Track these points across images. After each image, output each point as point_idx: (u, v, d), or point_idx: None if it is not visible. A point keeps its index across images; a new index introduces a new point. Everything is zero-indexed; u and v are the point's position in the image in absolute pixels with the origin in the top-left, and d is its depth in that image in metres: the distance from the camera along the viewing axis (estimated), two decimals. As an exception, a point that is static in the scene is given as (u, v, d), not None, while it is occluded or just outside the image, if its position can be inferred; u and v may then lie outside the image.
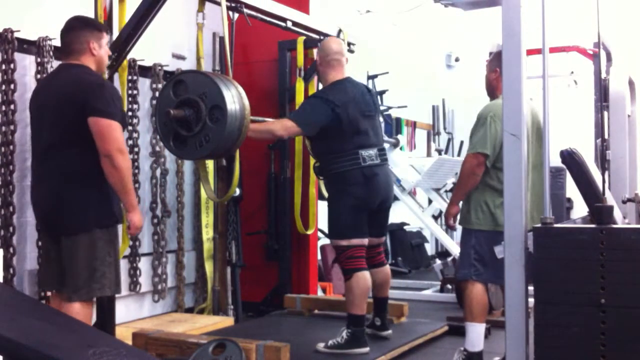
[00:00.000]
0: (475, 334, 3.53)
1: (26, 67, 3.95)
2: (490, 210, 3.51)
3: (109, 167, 2.99)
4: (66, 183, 3.05)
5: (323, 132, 3.91)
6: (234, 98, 3.30)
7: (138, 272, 4.65)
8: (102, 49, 3.21)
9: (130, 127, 4.57)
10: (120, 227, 3.72)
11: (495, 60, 3.65)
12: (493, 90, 3.69)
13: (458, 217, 3.73)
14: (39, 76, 3.89)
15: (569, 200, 7.69)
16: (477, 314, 3.52)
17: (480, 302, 3.53)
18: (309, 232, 5.20)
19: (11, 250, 3.73)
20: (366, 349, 3.86)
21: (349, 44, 4.83)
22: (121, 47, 3.54)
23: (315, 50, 5.13)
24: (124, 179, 3.02)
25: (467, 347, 3.53)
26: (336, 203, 3.96)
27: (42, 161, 3.13)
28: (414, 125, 8.54)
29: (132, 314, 4.71)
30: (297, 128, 3.85)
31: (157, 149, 4.79)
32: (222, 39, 4.84)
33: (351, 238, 3.89)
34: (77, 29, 3.17)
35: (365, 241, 3.95)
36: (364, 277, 3.86)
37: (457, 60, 9.54)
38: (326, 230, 4.38)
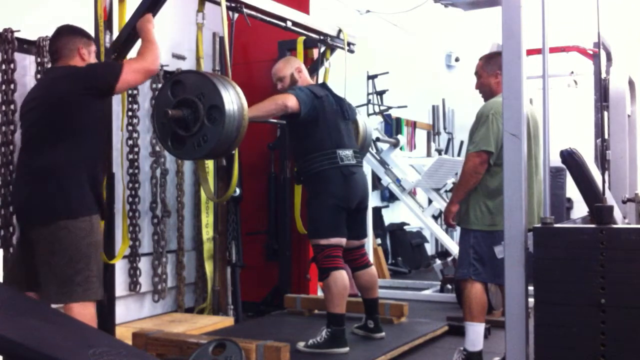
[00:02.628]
0: (475, 334, 3.52)
1: (26, 67, 3.95)
2: (489, 210, 3.49)
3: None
4: (40, 174, 3.05)
5: (303, 129, 3.95)
6: (232, 98, 3.30)
7: (138, 272, 4.66)
8: (90, 55, 3.25)
9: (130, 127, 4.57)
10: (120, 228, 3.73)
11: (493, 65, 3.62)
12: (493, 93, 3.64)
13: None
14: (39, 76, 3.89)
15: (569, 200, 7.69)
16: (477, 314, 3.51)
17: (480, 301, 3.52)
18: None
19: (11, 250, 3.73)
20: (346, 349, 3.86)
21: (349, 44, 4.83)
22: (121, 47, 3.53)
23: (315, 50, 5.14)
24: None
25: (466, 346, 3.53)
26: (315, 203, 3.99)
27: (20, 156, 3.18)
28: (414, 125, 8.54)
29: (132, 314, 4.71)
30: (295, 99, 3.86)
31: (157, 149, 4.79)
32: (222, 39, 4.84)
33: (330, 237, 3.91)
34: (67, 34, 3.22)
35: (343, 241, 3.98)
36: (342, 276, 3.87)
37: (457, 60, 9.54)
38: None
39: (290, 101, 3.85)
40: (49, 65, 3.48)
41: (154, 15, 3.49)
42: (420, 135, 8.79)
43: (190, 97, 3.31)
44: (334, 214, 3.93)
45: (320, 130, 3.95)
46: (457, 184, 3.65)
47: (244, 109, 3.35)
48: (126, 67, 3.12)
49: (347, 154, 3.99)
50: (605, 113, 5.77)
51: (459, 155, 8.92)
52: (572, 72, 7.04)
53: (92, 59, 3.27)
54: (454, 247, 5.84)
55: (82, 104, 3.06)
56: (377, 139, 6.24)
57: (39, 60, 3.92)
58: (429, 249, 8.49)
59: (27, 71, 3.95)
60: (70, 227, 3.01)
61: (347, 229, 4.03)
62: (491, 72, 3.65)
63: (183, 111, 3.30)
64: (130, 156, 4.60)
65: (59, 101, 3.05)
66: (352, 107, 4.35)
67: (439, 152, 8.24)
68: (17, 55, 3.85)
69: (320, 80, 4.93)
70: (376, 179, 6.86)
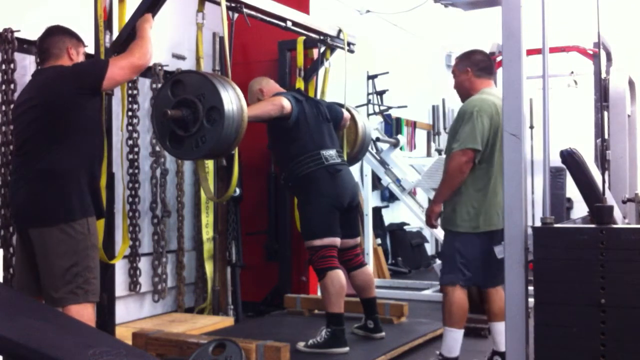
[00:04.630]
0: (453, 340, 3.44)
1: (26, 67, 3.95)
2: (477, 212, 3.38)
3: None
4: (39, 177, 3.03)
5: (287, 134, 3.99)
6: (232, 100, 3.29)
7: (138, 272, 4.65)
8: (79, 56, 3.25)
9: (130, 127, 4.57)
10: (120, 228, 3.73)
11: (463, 62, 3.61)
12: (468, 92, 3.58)
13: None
14: (38, 76, 3.89)
15: (569, 200, 7.69)
16: (457, 320, 3.42)
17: (462, 307, 3.42)
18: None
19: (11, 250, 3.73)
20: (346, 349, 3.86)
21: (349, 44, 4.83)
22: (121, 47, 3.53)
23: (315, 50, 5.14)
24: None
25: (442, 352, 3.47)
26: (307, 205, 4.01)
27: (16, 158, 3.17)
28: (414, 125, 8.54)
29: (132, 314, 4.71)
30: (289, 103, 3.92)
31: (157, 149, 4.79)
32: (222, 39, 4.84)
33: (323, 237, 3.93)
34: (57, 34, 3.22)
35: (337, 241, 3.99)
36: (338, 275, 3.88)
37: (457, 60, 9.53)
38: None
39: (285, 102, 3.92)
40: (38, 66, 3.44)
41: (153, 16, 3.49)
42: (420, 135, 8.79)
43: (190, 97, 3.30)
44: (326, 214, 3.95)
45: (303, 133, 3.99)
46: (441, 184, 3.50)
47: (243, 111, 3.34)
48: (112, 63, 3.10)
49: (330, 153, 4.03)
50: (605, 113, 5.77)
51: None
52: (572, 72, 7.03)
53: (81, 60, 3.26)
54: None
55: (74, 104, 3.05)
56: (377, 139, 6.23)
57: (38, 60, 3.91)
58: (429, 249, 8.50)
59: (27, 71, 3.95)
60: (69, 230, 3.01)
61: (341, 229, 4.04)
62: (462, 69, 3.61)
63: (182, 111, 3.30)
64: (130, 156, 4.60)
65: (51, 103, 3.04)
66: (333, 107, 4.33)
67: (439, 152, 8.24)
68: (17, 55, 3.85)
69: (321, 80, 4.95)
70: (376, 179, 6.85)
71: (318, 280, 3.98)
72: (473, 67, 3.60)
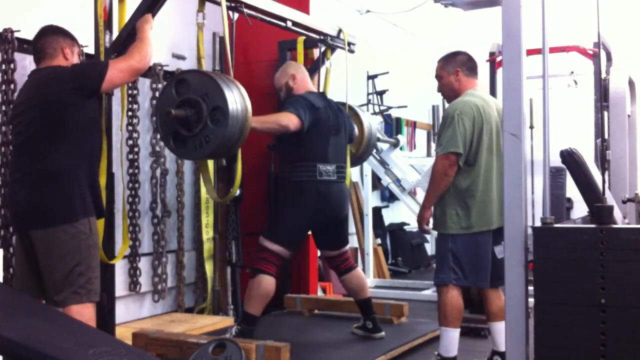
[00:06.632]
0: (449, 339, 3.47)
1: (26, 67, 3.94)
2: (465, 212, 3.44)
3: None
4: (40, 178, 3.03)
5: (291, 136, 3.90)
6: (236, 100, 3.28)
7: (138, 272, 4.66)
8: (74, 56, 3.25)
9: (130, 127, 4.57)
10: (120, 228, 3.73)
11: (451, 63, 3.65)
12: (456, 93, 3.62)
13: (431, 220, 3.67)
14: (38, 76, 3.89)
15: (569, 200, 7.68)
16: (452, 319, 3.45)
17: (456, 307, 3.46)
18: (309, 232, 5.19)
19: (11, 250, 3.73)
20: None
21: (349, 44, 4.83)
22: (121, 47, 3.53)
23: (315, 50, 5.14)
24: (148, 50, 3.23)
25: (440, 352, 3.49)
26: (283, 209, 4.05)
27: (15, 158, 3.16)
28: (414, 125, 8.54)
29: (132, 314, 4.71)
30: (299, 120, 3.82)
31: (157, 149, 4.79)
32: (222, 39, 4.84)
33: (277, 244, 3.92)
34: (51, 33, 3.21)
35: (287, 254, 3.98)
36: (267, 282, 3.88)
37: (457, 60, 9.53)
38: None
39: (293, 123, 3.80)
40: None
41: (153, 16, 3.48)
42: (420, 135, 8.79)
43: (193, 97, 3.29)
44: (294, 227, 3.98)
45: (307, 141, 3.93)
46: (428, 188, 3.56)
47: (247, 111, 3.33)
48: (112, 66, 3.10)
49: (327, 169, 3.97)
50: (605, 113, 5.77)
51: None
52: (572, 72, 7.02)
53: (76, 60, 3.26)
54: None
55: (72, 104, 3.05)
56: (377, 139, 6.23)
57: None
58: (429, 249, 8.50)
59: (27, 71, 3.93)
60: (71, 230, 3.01)
61: (323, 239, 4.15)
62: (451, 71, 3.66)
63: (186, 111, 3.29)
64: (130, 156, 4.60)
65: (49, 103, 3.03)
66: (351, 123, 4.34)
67: (439, 152, 8.21)
68: (17, 55, 3.85)
69: (322, 80, 4.94)
70: (376, 179, 6.86)
71: (248, 277, 4.00)
72: (462, 67, 3.66)
